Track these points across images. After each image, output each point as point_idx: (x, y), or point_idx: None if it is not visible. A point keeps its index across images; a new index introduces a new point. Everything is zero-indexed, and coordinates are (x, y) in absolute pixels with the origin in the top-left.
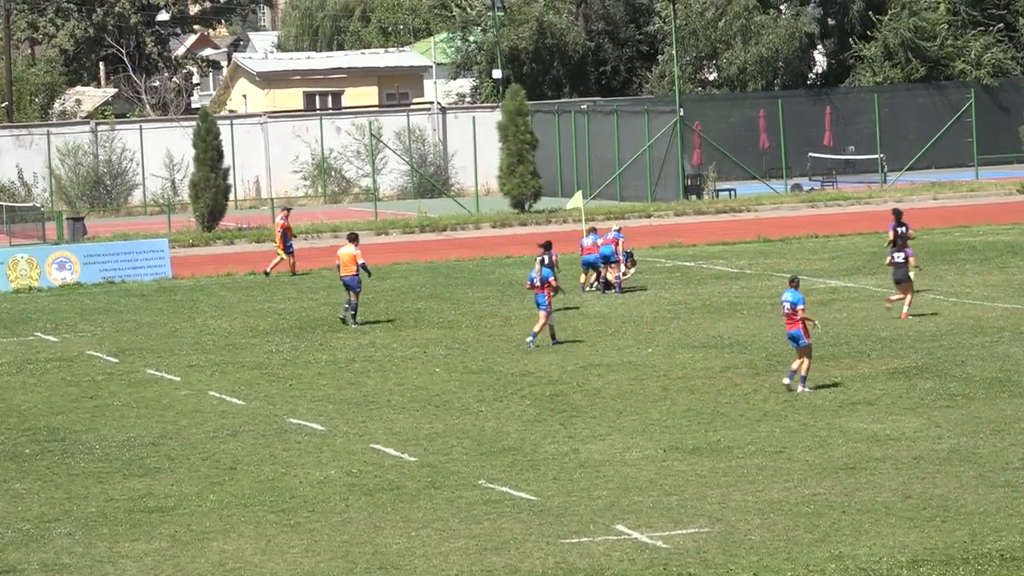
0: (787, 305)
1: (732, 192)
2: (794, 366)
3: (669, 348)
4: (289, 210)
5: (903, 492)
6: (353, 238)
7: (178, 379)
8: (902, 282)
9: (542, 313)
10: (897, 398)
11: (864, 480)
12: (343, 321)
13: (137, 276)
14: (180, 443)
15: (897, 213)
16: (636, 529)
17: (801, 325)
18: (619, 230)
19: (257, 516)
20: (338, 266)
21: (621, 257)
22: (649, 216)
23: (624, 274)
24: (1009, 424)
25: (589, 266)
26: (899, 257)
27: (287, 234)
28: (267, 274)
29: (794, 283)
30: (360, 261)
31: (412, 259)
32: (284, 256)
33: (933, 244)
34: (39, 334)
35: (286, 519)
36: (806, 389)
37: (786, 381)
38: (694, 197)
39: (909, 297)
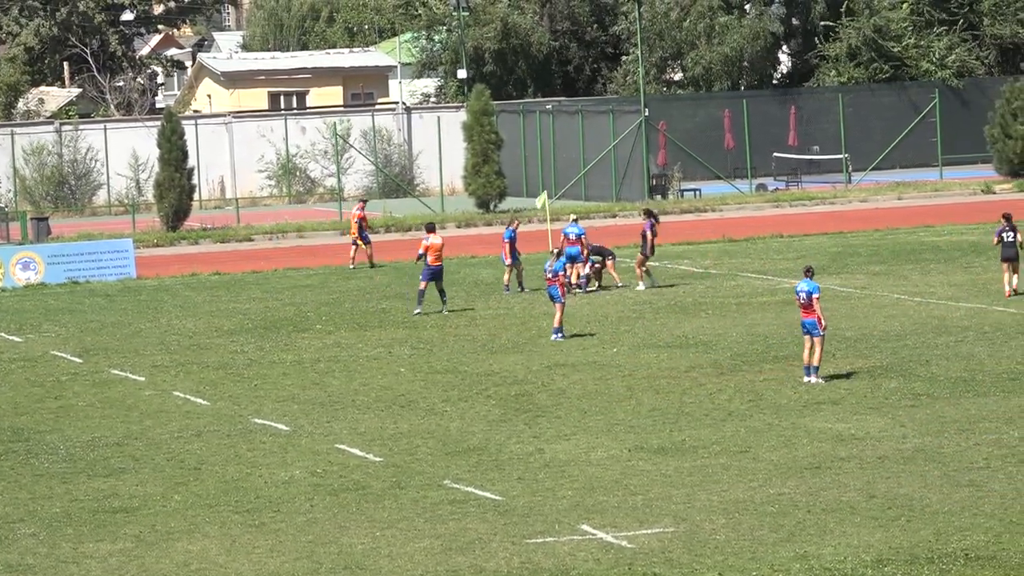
0: (803, 295)
1: (697, 192)
2: (806, 359)
3: (634, 348)
4: (365, 201)
5: (868, 491)
6: (434, 228)
7: (143, 379)
8: (1011, 260)
9: (558, 305)
10: (862, 398)
11: (829, 480)
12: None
13: (101, 276)
14: (145, 443)
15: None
16: (601, 529)
17: (816, 315)
18: (575, 221)
19: (222, 516)
20: (421, 255)
21: (586, 254)
22: (614, 216)
23: (587, 278)
24: (973, 423)
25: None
26: (1009, 237)
27: (363, 225)
28: (352, 267)
29: (809, 273)
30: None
31: (377, 259)
32: (362, 246)
33: (897, 244)
34: (3, 334)
35: (251, 519)
36: (820, 380)
37: (806, 379)
38: (659, 197)
39: (1016, 277)
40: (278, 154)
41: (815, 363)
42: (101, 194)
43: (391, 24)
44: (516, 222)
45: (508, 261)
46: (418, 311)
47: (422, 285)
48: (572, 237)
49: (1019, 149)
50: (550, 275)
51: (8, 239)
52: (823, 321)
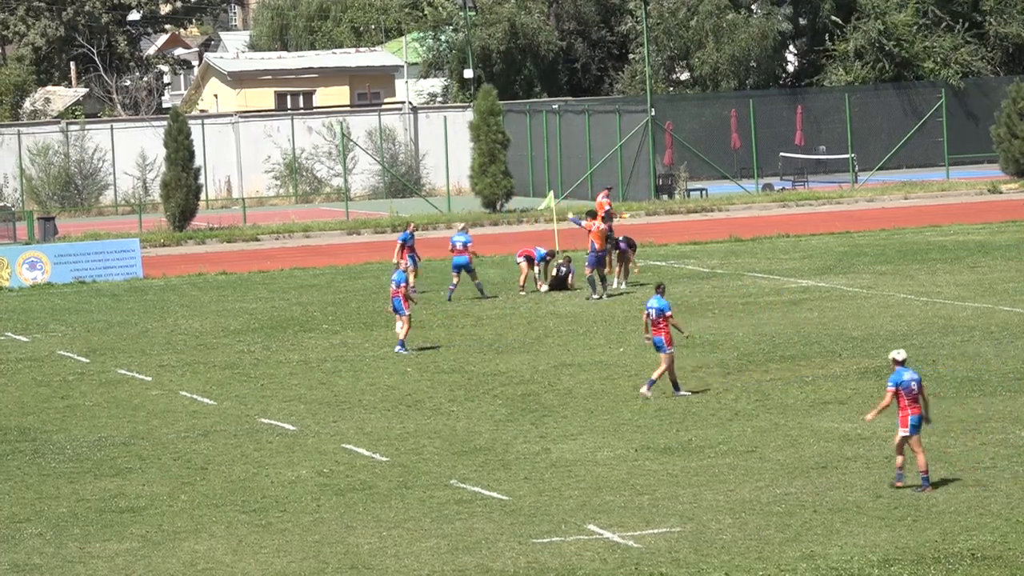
0: (653, 312)
1: (704, 192)
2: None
3: (640, 347)
4: (611, 189)
5: (874, 491)
6: (595, 215)
7: (149, 379)
8: None
9: (401, 317)
10: (868, 397)
11: (835, 479)
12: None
13: (108, 276)
14: (151, 443)
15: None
16: (608, 529)
17: (665, 333)
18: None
19: (228, 516)
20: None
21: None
22: (621, 216)
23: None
24: (980, 423)
25: (460, 268)
26: None
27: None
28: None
29: (660, 290)
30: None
31: (383, 259)
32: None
33: (904, 243)
34: (10, 334)
35: (257, 519)
36: (649, 393)
37: (642, 389)
38: (665, 197)
39: None
40: (284, 154)
41: (654, 376)
42: (108, 194)
43: (397, 24)
44: (412, 225)
45: (409, 265)
46: (595, 297)
47: (588, 271)
48: (459, 246)
49: None
50: (394, 286)
51: (15, 239)
52: (672, 339)
